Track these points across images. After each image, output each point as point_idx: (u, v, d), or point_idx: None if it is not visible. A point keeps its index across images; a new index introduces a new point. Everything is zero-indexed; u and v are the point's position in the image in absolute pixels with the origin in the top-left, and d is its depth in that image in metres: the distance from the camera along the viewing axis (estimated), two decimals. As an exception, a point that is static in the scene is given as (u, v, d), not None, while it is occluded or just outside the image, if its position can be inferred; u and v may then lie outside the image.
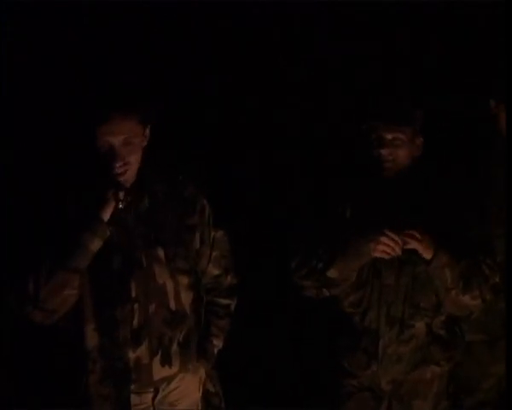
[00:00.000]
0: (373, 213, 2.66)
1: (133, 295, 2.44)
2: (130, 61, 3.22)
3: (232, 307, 2.72)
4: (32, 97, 3.19)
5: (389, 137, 2.63)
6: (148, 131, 2.47)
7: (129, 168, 2.41)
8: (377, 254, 2.59)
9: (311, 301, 2.79)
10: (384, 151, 2.64)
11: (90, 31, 3.21)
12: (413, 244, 2.56)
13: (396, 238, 2.54)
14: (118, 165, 2.38)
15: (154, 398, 2.53)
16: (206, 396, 2.65)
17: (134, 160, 2.42)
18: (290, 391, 3.39)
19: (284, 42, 3.40)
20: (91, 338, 2.44)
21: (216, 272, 2.69)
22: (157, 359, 2.49)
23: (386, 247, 2.55)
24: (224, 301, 2.70)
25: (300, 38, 3.39)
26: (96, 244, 2.36)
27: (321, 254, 2.67)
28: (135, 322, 2.45)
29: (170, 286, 2.50)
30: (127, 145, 2.38)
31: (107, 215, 2.38)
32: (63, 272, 2.33)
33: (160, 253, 2.48)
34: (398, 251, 2.56)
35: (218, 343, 2.67)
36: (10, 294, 2.35)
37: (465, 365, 2.92)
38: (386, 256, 2.58)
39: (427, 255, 2.59)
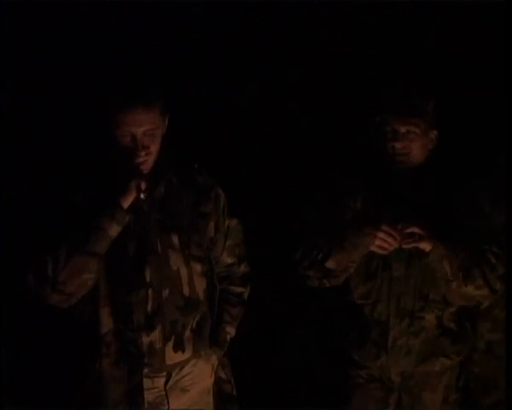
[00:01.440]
0: (385, 205, 2.67)
1: (147, 280, 2.46)
2: (152, 49, 3.24)
3: (245, 295, 2.74)
4: (61, 83, 3.21)
5: (403, 130, 2.64)
6: (166, 120, 2.49)
7: (150, 158, 2.44)
8: (374, 249, 2.61)
9: (321, 292, 2.80)
10: (398, 144, 2.64)
11: (115, 23, 3.23)
12: (414, 243, 2.58)
13: (394, 233, 2.56)
14: (141, 154, 2.40)
15: (166, 382, 2.55)
16: (218, 383, 2.66)
17: (154, 149, 2.45)
18: (299, 381, 3.39)
19: (295, 34, 3.42)
20: (106, 322, 2.46)
21: (229, 260, 2.71)
22: (170, 344, 2.51)
23: (383, 242, 2.57)
24: (238, 290, 2.72)
25: (313, 28, 3.40)
26: (114, 230, 2.38)
27: (321, 245, 2.69)
28: (149, 307, 2.47)
29: (184, 272, 2.52)
30: (149, 136, 2.41)
31: (127, 203, 2.40)
32: (81, 256, 2.35)
33: (175, 239, 2.51)
34: (397, 245, 2.58)
35: (230, 331, 2.69)
36: (28, 275, 2.37)
37: (484, 363, 2.92)
38: (384, 251, 2.60)
39: (426, 248, 2.60)
